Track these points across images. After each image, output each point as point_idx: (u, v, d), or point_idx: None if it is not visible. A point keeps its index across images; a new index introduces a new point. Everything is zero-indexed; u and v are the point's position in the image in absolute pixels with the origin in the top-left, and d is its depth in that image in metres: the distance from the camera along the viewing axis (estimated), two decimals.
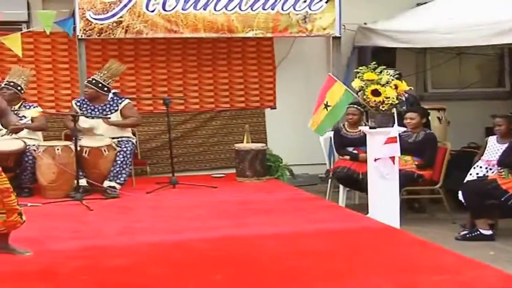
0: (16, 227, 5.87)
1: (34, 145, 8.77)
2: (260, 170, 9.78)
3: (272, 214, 7.69)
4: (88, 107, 9.18)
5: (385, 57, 9.45)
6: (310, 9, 10.03)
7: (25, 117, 9.00)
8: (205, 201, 8.44)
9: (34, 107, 9.18)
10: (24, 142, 8.71)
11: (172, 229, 7.02)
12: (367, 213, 7.67)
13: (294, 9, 9.98)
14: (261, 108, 10.87)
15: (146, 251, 6.25)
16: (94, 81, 9.13)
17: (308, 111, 8.56)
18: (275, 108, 10.89)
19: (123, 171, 8.83)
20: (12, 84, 9.04)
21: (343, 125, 9.12)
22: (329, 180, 9.23)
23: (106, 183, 8.71)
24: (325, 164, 9.53)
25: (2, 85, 9.06)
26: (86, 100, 9.22)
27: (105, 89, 9.16)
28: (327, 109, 8.37)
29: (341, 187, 8.91)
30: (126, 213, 7.86)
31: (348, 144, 8.96)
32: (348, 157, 8.84)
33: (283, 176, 10.01)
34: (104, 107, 9.18)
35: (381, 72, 7.52)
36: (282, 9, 9.94)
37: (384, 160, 7.45)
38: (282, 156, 10.22)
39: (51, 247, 6.30)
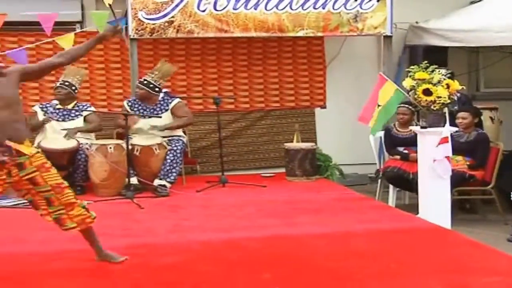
0: (87, 223, 5.70)
1: (87, 143, 8.86)
2: (310, 170, 9.75)
3: (321, 214, 7.67)
4: (140, 107, 9.24)
5: (436, 56, 9.36)
6: (361, 8, 9.98)
7: (81, 115, 9.11)
8: (254, 200, 8.45)
9: (88, 107, 9.27)
10: (77, 141, 8.81)
11: (221, 228, 7.03)
12: (417, 213, 7.60)
13: (345, 8, 9.93)
14: (311, 108, 10.85)
15: (196, 249, 6.27)
16: (145, 82, 9.19)
17: (358, 111, 8.49)
18: (325, 108, 10.86)
19: (174, 170, 8.86)
20: (67, 83, 9.15)
21: (394, 124, 9.05)
22: (379, 180, 9.15)
23: (157, 182, 8.76)
24: (375, 163, 9.44)
25: (58, 84, 9.17)
26: (137, 100, 9.28)
27: (156, 89, 9.21)
28: (378, 108, 8.38)
29: (391, 187, 8.84)
30: (176, 212, 7.90)
31: (398, 143, 8.88)
32: (398, 156, 8.76)
33: (332, 175, 9.97)
34: (155, 107, 9.23)
35: (432, 71, 7.46)
36: (333, 8, 9.90)
37: (441, 161, 7.38)
38: (332, 156, 10.18)
39: (102, 245, 6.34)
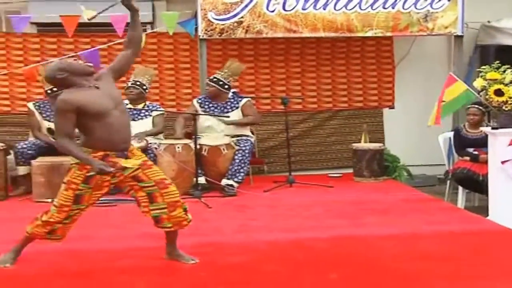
0: (182, 225, 5.74)
1: (155, 143, 8.94)
2: (378, 170, 9.69)
3: (389, 215, 7.61)
4: (210, 105, 9.29)
5: (509, 56, 9.14)
6: (432, 8, 9.86)
7: (150, 115, 9.20)
8: (321, 200, 8.43)
9: (156, 109, 9.35)
10: (146, 140, 8.88)
11: (288, 228, 7.03)
12: (487, 215, 7.49)
13: (415, 7, 9.83)
14: (379, 108, 10.78)
15: (263, 249, 6.27)
16: (215, 79, 9.25)
17: (427, 112, 8.42)
18: (393, 108, 10.77)
19: (241, 170, 8.89)
20: (138, 83, 9.25)
21: (464, 125, 8.92)
22: (448, 181, 9.05)
23: (224, 181, 8.79)
24: (444, 165, 9.32)
25: (129, 84, 9.27)
26: (207, 98, 9.34)
27: (226, 87, 9.26)
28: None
29: (460, 188, 8.72)
30: (243, 211, 7.92)
31: (468, 145, 8.75)
32: (468, 158, 8.63)
33: (400, 176, 9.90)
34: (225, 105, 9.28)
35: (504, 71, 7.36)
36: (403, 7, 9.81)
37: (511, 162, 7.26)
38: (400, 156, 10.11)
39: None
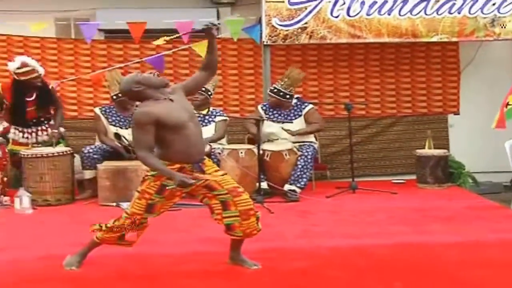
0: (251, 234, 5.74)
1: (218, 148, 8.97)
2: (442, 177, 9.59)
3: (453, 222, 7.51)
4: (274, 111, 9.31)
5: None
6: (499, 12, 9.73)
7: (213, 121, 9.25)
8: (384, 206, 8.37)
9: (220, 114, 9.39)
10: (210, 145, 8.93)
11: (351, 234, 7.00)
12: None
13: (482, 12, 9.70)
14: (444, 114, 10.66)
15: (325, 254, 6.26)
16: (275, 90, 9.25)
17: (493, 118, 8.31)
18: (458, 114, 10.65)
19: (304, 175, 8.88)
20: (203, 89, 9.28)
21: None
22: None
23: (287, 187, 8.79)
24: (511, 172, 9.20)
25: None
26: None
27: (287, 96, 9.26)
28: (507, 107, 8.43)
29: None
30: (306, 217, 7.91)
31: None
32: None
33: (465, 183, 9.77)
34: (289, 113, 9.28)
35: None
36: (469, 12, 9.69)
37: None
38: (465, 163, 9.98)
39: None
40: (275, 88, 9.28)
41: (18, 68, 8.83)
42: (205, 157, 5.77)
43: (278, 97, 9.22)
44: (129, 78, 5.69)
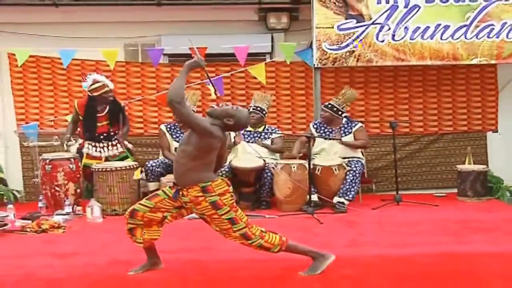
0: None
1: (272, 163, 8.96)
2: (481, 191, 9.45)
3: (493, 233, 7.37)
4: (326, 129, 9.27)
5: None
6: None
7: (268, 138, 9.24)
8: (427, 218, 8.25)
9: (275, 132, 9.38)
10: (264, 160, 8.92)
11: (395, 243, 6.92)
12: None
13: None
14: (483, 132, 10.50)
15: (371, 262, 6.20)
16: (330, 105, 9.23)
17: None
18: (496, 132, 10.48)
19: (352, 189, 8.82)
20: (259, 108, 9.31)
21: None
22: None
23: (336, 199, 8.73)
24: None
25: (250, 109, 9.33)
26: (322, 123, 9.32)
27: (340, 112, 9.23)
28: None
29: None
30: (353, 227, 7.84)
31: None
32: None
33: (503, 196, 9.61)
34: (339, 130, 9.23)
35: None
36: (507, 37, 9.57)
37: None
38: (503, 178, 9.84)
39: (286, 256, 6.37)
40: (329, 103, 9.26)
41: (90, 85, 8.97)
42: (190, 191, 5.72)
43: (331, 112, 9.20)
44: (225, 109, 5.77)
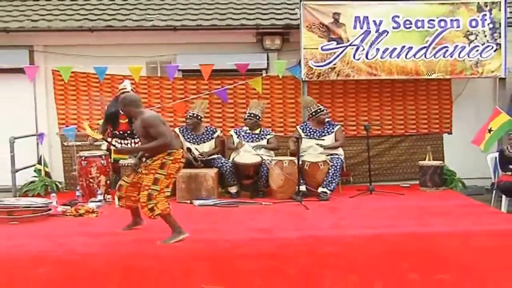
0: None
1: (268, 159, 8.92)
2: (438, 182, 9.42)
3: (448, 217, 7.37)
4: (311, 130, 9.23)
5: None
6: (481, 57, 9.57)
7: (263, 138, 9.20)
8: (395, 204, 8.24)
9: (269, 133, 9.34)
10: (261, 157, 8.89)
11: (369, 225, 6.92)
12: None
13: (468, 56, 9.56)
14: (440, 133, 10.45)
15: (350, 241, 6.21)
16: (320, 110, 9.21)
17: None
18: (451, 133, 10.44)
19: (333, 181, 8.78)
20: (252, 115, 9.26)
21: (506, 147, 8.61)
22: (494, 191, 8.71)
23: (320, 189, 8.68)
24: (491, 178, 9.04)
25: (246, 116, 9.30)
26: (308, 125, 9.29)
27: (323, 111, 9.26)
28: (490, 133, 8.83)
29: (503, 196, 8.37)
30: (335, 212, 7.81)
31: (510, 162, 8.43)
32: (510, 172, 8.32)
33: (456, 187, 9.60)
34: (323, 130, 9.21)
35: None
36: (459, 56, 9.56)
37: None
38: (456, 171, 9.81)
39: (279, 236, 6.38)
40: (319, 108, 9.23)
41: (121, 88, 8.93)
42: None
43: (324, 114, 9.21)
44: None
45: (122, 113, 8.88)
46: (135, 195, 6.40)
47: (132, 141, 9.02)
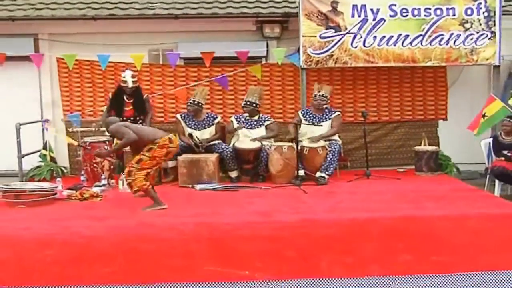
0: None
1: (268, 145, 8.95)
2: (434, 167, 9.46)
3: (442, 201, 7.38)
4: (311, 115, 9.25)
5: None
6: (476, 44, 9.56)
7: (262, 124, 9.21)
8: (391, 188, 8.26)
9: (268, 119, 9.36)
10: (261, 143, 8.91)
11: (366, 209, 6.91)
12: None
13: (463, 44, 9.55)
14: (436, 120, 10.47)
15: (346, 224, 6.22)
16: (324, 95, 9.22)
17: None
18: (446, 120, 10.46)
19: (331, 166, 8.80)
20: (249, 103, 9.22)
21: (500, 133, 8.65)
22: (487, 176, 8.76)
23: (318, 174, 8.71)
24: (485, 163, 9.08)
25: (243, 104, 9.29)
26: (308, 110, 9.31)
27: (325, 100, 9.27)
28: (483, 118, 8.84)
29: (496, 181, 8.42)
30: (332, 196, 7.83)
31: (503, 148, 8.46)
32: (503, 158, 8.36)
33: (451, 172, 9.62)
34: (323, 115, 9.22)
35: None
36: (454, 44, 9.54)
37: None
38: (451, 156, 9.83)
39: (278, 219, 6.41)
40: (322, 94, 9.22)
41: (122, 77, 8.95)
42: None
43: (326, 100, 9.23)
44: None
45: (127, 100, 8.99)
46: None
47: None
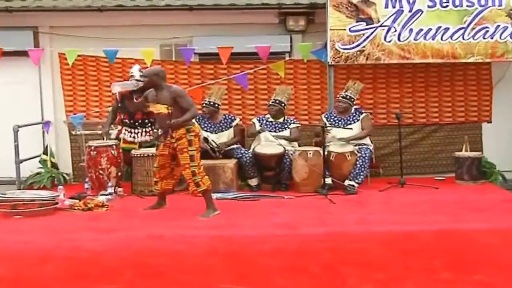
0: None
1: (291, 150, 8.96)
2: (476, 175, 9.43)
3: (486, 213, 7.37)
4: (336, 118, 9.27)
5: None
6: None
7: (288, 128, 9.23)
8: (428, 199, 8.25)
9: (293, 123, 9.37)
10: (284, 148, 8.93)
11: (400, 221, 6.94)
12: None
13: (511, 38, 9.50)
14: (479, 122, 10.43)
15: (377, 238, 6.24)
16: (348, 97, 9.28)
17: None
18: (490, 122, 10.41)
19: (362, 173, 8.81)
20: (277, 101, 9.28)
21: None
22: None
23: (347, 182, 8.73)
24: None
25: (270, 102, 9.34)
26: (332, 113, 9.33)
27: (353, 102, 9.28)
28: None
29: None
30: (362, 207, 7.85)
31: None
32: None
33: (496, 180, 9.59)
34: (348, 118, 9.24)
35: None
36: (500, 38, 9.50)
37: None
38: (496, 163, 9.79)
39: (303, 232, 6.43)
40: (347, 95, 9.29)
41: (130, 74, 9.00)
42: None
43: (350, 102, 9.29)
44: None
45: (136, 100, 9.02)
46: (170, 176, 7.57)
47: (143, 130, 9.09)
